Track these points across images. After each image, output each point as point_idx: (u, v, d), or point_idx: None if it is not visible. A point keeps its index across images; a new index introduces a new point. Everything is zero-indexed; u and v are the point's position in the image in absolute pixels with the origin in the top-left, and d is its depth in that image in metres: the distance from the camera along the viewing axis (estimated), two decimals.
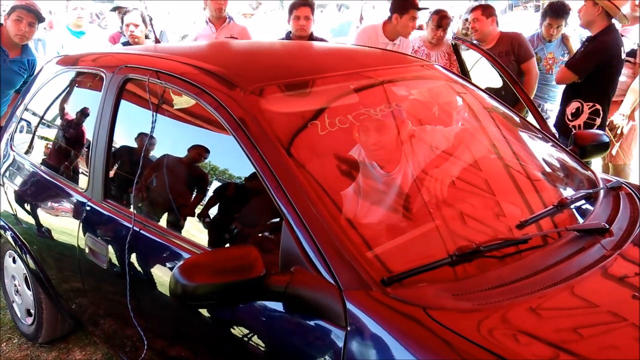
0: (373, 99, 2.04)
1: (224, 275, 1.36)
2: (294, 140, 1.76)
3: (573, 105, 3.66)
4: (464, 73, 3.36)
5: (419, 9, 4.26)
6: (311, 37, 4.14)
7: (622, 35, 3.91)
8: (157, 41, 3.55)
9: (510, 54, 4.08)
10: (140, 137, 2.11)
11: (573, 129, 3.60)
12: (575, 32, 5.96)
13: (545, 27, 4.42)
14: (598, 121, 3.67)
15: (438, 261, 1.44)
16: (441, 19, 4.45)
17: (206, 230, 1.90)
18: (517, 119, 2.34)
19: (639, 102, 4.01)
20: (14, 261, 2.89)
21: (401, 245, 1.61)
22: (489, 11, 4.21)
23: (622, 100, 3.95)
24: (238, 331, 1.65)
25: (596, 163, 4.39)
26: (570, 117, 3.66)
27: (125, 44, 4.43)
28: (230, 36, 4.35)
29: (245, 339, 1.63)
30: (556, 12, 4.38)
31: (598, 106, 3.63)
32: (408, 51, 4.44)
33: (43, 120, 2.81)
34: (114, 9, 5.20)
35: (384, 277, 1.37)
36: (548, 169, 2.21)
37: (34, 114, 2.87)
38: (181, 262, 1.40)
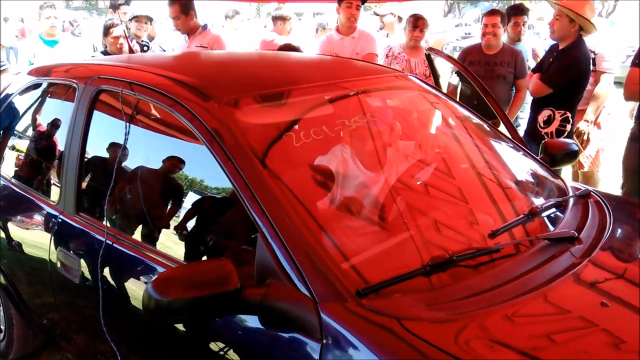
0: (348, 110, 2.06)
1: (198, 289, 1.35)
2: (269, 151, 1.76)
3: (545, 113, 3.73)
4: (437, 83, 3.39)
5: None
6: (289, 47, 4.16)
7: None
8: (131, 51, 3.53)
9: (511, 67, 4.17)
10: (114, 149, 2.09)
11: (545, 136, 3.69)
12: (546, 42, 6.15)
13: (512, 27, 4.63)
14: (568, 127, 3.76)
15: (412, 272, 1.45)
16: (416, 20, 4.56)
17: (181, 243, 1.88)
18: (489, 129, 2.38)
19: (602, 107, 4.12)
20: None
21: (376, 255, 1.62)
22: (504, 20, 4.33)
23: (585, 109, 4.05)
24: (214, 345, 1.64)
25: (566, 171, 4.48)
26: (542, 125, 3.73)
27: (105, 53, 4.41)
28: (200, 45, 4.34)
29: (221, 352, 1.62)
30: (519, 10, 4.68)
31: (568, 114, 3.72)
32: (370, 43, 4.56)
33: (14, 132, 2.76)
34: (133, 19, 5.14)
35: (358, 289, 1.38)
36: (519, 178, 2.25)
37: (5, 126, 2.82)
38: (154, 277, 1.38)
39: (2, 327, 2.77)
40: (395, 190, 1.93)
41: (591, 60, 4.07)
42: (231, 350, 1.60)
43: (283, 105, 1.96)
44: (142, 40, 5.00)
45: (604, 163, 4.35)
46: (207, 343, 1.65)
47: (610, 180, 4.36)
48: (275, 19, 6.04)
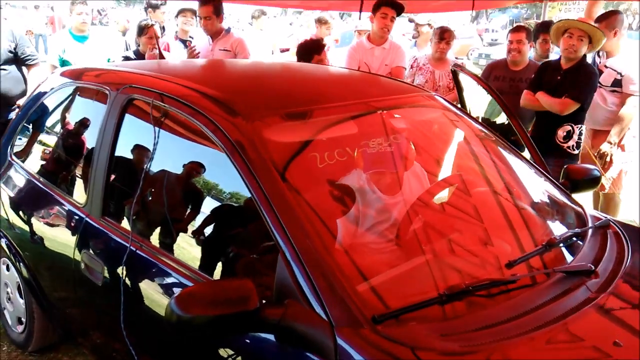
0: (372, 131, 2.08)
1: (219, 307, 1.39)
2: (292, 170, 1.79)
3: (564, 129, 3.76)
4: (461, 101, 3.39)
5: (389, 6, 4.37)
6: None
7: (606, 67, 4.08)
8: (161, 56, 3.59)
9: None
10: (141, 157, 2.14)
11: (568, 149, 3.74)
12: None
13: (540, 44, 4.64)
14: (583, 140, 3.80)
15: (428, 300, 1.48)
16: (443, 32, 4.57)
17: (202, 253, 1.92)
18: (511, 154, 2.38)
19: (626, 130, 4.10)
20: (8, 269, 2.91)
21: (393, 281, 1.65)
22: (530, 36, 4.33)
23: (609, 130, 4.04)
24: (227, 355, 1.68)
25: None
26: (562, 140, 3.76)
27: (136, 52, 4.48)
28: (224, 49, 4.38)
29: None
30: (548, 27, 4.62)
31: (583, 127, 3.77)
32: (400, 56, 4.57)
33: (45, 131, 2.83)
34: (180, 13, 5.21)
35: (375, 315, 1.41)
36: (539, 205, 2.26)
37: (36, 124, 2.89)
38: (178, 293, 1.43)
39: (24, 320, 2.85)
40: (414, 215, 1.95)
41: (616, 82, 4.08)
42: None
43: (308, 125, 1.99)
44: (190, 36, 5.03)
45: (626, 186, 4.32)
46: (222, 353, 1.69)
47: (632, 203, 4.34)
48: (318, 22, 6.20)
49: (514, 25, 4.79)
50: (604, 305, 1.63)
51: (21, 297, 2.82)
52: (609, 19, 4.11)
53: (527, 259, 1.77)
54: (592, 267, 1.74)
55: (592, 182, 2.51)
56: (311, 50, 3.94)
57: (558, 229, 2.12)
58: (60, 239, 2.42)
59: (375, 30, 4.47)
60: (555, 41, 3.88)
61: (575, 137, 3.76)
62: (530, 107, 3.97)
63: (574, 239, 1.95)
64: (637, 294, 1.78)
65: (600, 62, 4.20)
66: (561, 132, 3.75)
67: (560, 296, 1.62)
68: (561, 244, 1.90)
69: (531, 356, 1.41)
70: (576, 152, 3.79)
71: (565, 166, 2.53)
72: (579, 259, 1.83)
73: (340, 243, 1.77)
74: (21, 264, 2.70)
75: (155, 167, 2.06)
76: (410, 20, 5.84)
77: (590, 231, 2.02)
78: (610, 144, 4.05)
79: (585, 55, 3.76)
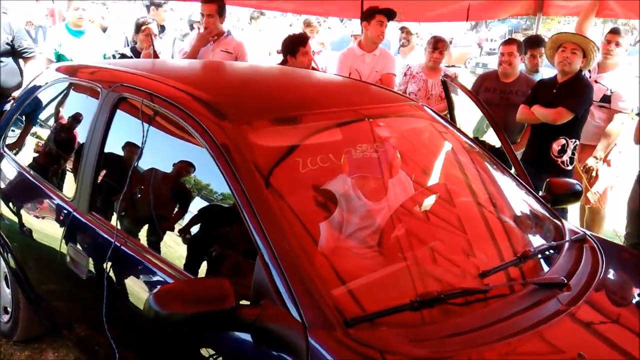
0: (359, 139, 2.12)
1: (196, 305, 1.43)
2: (275, 174, 1.83)
3: (559, 142, 3.79)
4: (451, 111, 3.44)
5: (384, 14, 4.44)
6: None
7: (596, 82, 4.12)
8: (155, 56, 3.62)
9: (526, 95, 4.20)
10: (130, 154, 2.17)
11: (562, 165, 3.77)
12: None
13: (529, 59, 4.69)
14: (576, 155, 3.84)
15: (400, 306, 1.52)
16: (437, 41, 4.62)
17: (185, 252, 1.96)
18: (494, 166, 2.43)
19: (613, 145, 4.16)
20: None
21: (367, 286, 1.69)
22: (521, 48, 4.37)
23: (596, 145, 4.09)
24: (205, 352, 1.72)
25: (574, 205, 4.51)
26: (557, 154, 3.79)
27: (133, 49, 4.51)
28: (225, 51, 4.41)
29: (212, 359, 1.70)
30: (536, 42, 4.72)
31: (578, 142, 3.80)
32: (390, 63, 4.63)
33: (37, 125, 2.87)
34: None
35: (347, 318, 1.45)
36: (518, 217, 2.30)
37: (29, 117, 2.93)
38: (156, 289, 1.46)
39: (10, 309, 2.88)
40: (394, 221, 1.99)
41: (605, 98, 4.13)
42: (221, 359, 1.68)
43: (295, 130, 2.03)
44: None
45: (611, 201, 4.37)
46: (200, 350, 1.73)
47: (617, 219, 4.39)
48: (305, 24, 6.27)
49: (507, 37, 4.88)
50: (573, 317, 1.67)
51: (8, 287, 2.85)
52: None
53: (502, 269, 1.82)
54: (565, 280, 1.79)
55: (573, 196, 2.55)
56: (297, 42, 4.03)
57: (536, 241, 2.17)
58: (47, 231, 2.46)
59: (370, 37, 4.52)
60: (551, 58, 3.93)
61: (569, 151, 3.79)
62: (526, 121, 4.01)
63: (550, 251, 2.00)
64: (607, 307, 1.83)
65: (590, 77, 4.26)
66: (556, 146, 3.78)
67: (532, 307, 1.66)
68: (536, 256, 1.94)
69: None
70: (569, 167, 3.80)
71: (547, 180, 2.57)
72: (553, 272, 1.88)
73: (321, 247, 1.81)
74: (9, 254, 2.73)
75: (143, 165, 2.10)
76: (402, 29, 5.88)
77: (566, 245, 2.06)
78: (597, 158, 4.10)
79: (581, 70, 3.79)
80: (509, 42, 4.44)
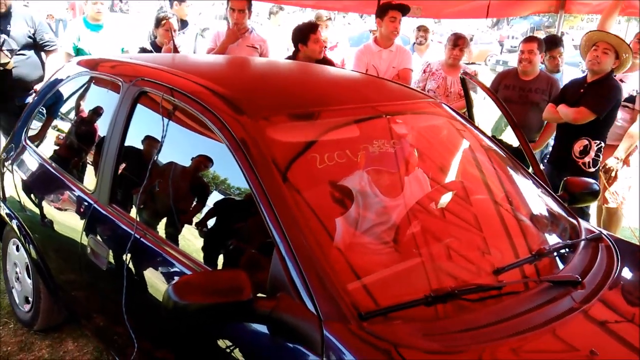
0: (376, 136, 2.14)
1: (214, 296, 1.46)
2: (292, 169, 1.86)
3: (581, 143, 3.76)
4: (469, 109, 3.44)
5: (398, 9, 4.46)
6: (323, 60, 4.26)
7: (621, 81, 4.06)
8: (175, 50, 3.66)
9: (545, 94, 4.19)
10: (150, 148, 2.21)
11: (583, 166, 3.75)
12: None
13: (549, 60, 4.69)
14: (601, 157, 3.80)
15: (414, 301, 1.54)
16: (457, 38, 4.62)
17: (203, 245, 2.00)
18: (511, 164, 2.43)
19: (635, 147, 4.11)
20: (17, 249, 3.00)
21: (383, 280, 1.71)
22: (542, 46, 4.34)
23: (617, 145, 4.05)
24: (222, 343, 1.76)
25: (592, 204, 4.49)
26: (578, 155, 3.77)
27: (153, 44, 4.55)
28: (252, 46, 4.46)
29: (228, 350, 1.73)
30: (554, 43, 4.64)
31: (602, 144, 3.76)
32: (407, 58, 4.65)
33: (59, 118, 2.92)
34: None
35: (361, 312, 1.47)
36: (535, 215, 2.31)
37: (51, 110, 2.98)
38: (175, 280, 1.50)
39: (31, 299, 2.94)
40: (410, 217, 2.01)
41: (630, 98, 4.09)
42: (238, 350, 1.71)
43: (313, 126, 2.06)
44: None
45: (629, 200, 4.34)
46: (216, 341, 1.76)
47: (634, 218, 4.36)
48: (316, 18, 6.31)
49: (528, 35, 4.87)
50: (586, 315, 1.68)
51: (29, 277, 2.91)
52: None
53: (516, 266, 1.83)
54: (579, 278, 1.79)
55: (591, 195, 2.55)
56: (308, 30, 4.07)
57: (551, 239, 2.17)
58: (68, 223, 2.51)
59: (385, 33, 4.54)
60: (584, 56, 3.89)
61: (592, 153, 3.75)
62: (551, 120, 3.99)
63: (565, 249, 2.00)
64: (621, 306, 1.83)
65: (615, 75, 4.21)
66: (577, 147, 3.76)
67: (545, 304, 1.67)
68: (551, 254, 1.95)
69: (510, 359, 1.47)
70: (592, 169, 3.76)
71: (565, 178, 2.57)
72: (568, 270, 1.88)
73: (337, 242, 1.84)
74: (30, 245, 2.79)
75: (163, 159, 2.14)
76: (419, 28, 5.86)
77: (582, 243, 2.06)
78: (617, 159, 4.06)
79: (612, 70, 3.74)
80: (530, 39, 4.41)
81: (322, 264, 1.55)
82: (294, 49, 4.28)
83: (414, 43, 6.14)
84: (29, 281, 2.91)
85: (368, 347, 1.40)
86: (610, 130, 4.06)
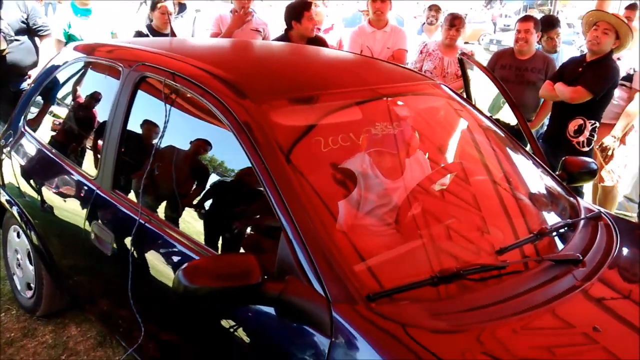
0: (377, 118, 2.15)
1: (223, 280, 1.48)
2: (296, 152, 1.86)
3: (576, 122, 3.78)
4: (468, 93, 3.45)
5: None
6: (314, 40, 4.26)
7: (618, 59, 4.06)
8: (173, 34, 3.64)
9: (542, 73, 4.20)
10: (152, 133, 2.21)
11: (577, 145, 3.77)
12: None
13: (546, 41, 4.70)
14: (595, 137, 3.82)
15: (420, 281, 1.56)
16: (453, 19, 4.61)
17: (211, 229, 2.01)
18: (510, 144, 2.45)
19: (632, 125, 4.14)
20: (18, 236, 3.01)
21: (389, 261, 1.73)
22: (538, 25, 4.35)
23: (614, 123, 4.07)
24: (229, 325, 1.78)
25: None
26: (572, 134, 3.79)
27: (149, 27, 4.52)
28: (255, 29, 4.48)
29: (236, 332, 1.76)
30: (550, 24, 4.64)
31: (597, 123, 3.78)
32: (401, 39, 4.66)
33: (58, 104, 2.91)
34: None
35: (369, 293, 1.49)
36: (534, 194, 2.33)
37: (50, 96, 2.97)
38: (185, 265, 1.51)
39: (33, 285, 2.95)
40: (413, 199, 2.03)
41: (627, 76, 4.11)
42: (246, 332, 1.73)
43: (314, 109, 2.06)
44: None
45: (624, 178, 4.38)
46: (224, 324, 1.79)
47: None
48: None
49: (523, 13, 4.87)
50: (588, 292, 1.71)
51: (31, 263, 2.92)
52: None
53: (518, 246, 1.86)
54: (580, 256, 1.82)
55: (589, 174, 2.57)
56: (302, 7, 4.06)
57: (551, 218, 2.20)
58: (70, 209, 2.51)
59: (371, 14, 4.56)
60: (585, 34, 3.89)
61: (587, 132, 3.77)
62: (547, 97, 4.00)
63: (565, 229, 2.03)
64: (621, 283, 1.86)
65: (613, 55, 4.22)
66: (572, 126, 3.78)
67: (547, 283, 1.70)
68: (551, 233, 1.98)
69: (514, 337, 1.50)
70: (586, 149, 3.78)
71: (563, 158, 2.59)
72: (568, 249, 1.91)
73: (341, 224, 1.85)
74: (32, 231, 2.79)
75: (165, 143, 2.14)
76: (430, 7, 5.79)
77: (581, 222, 2.09)
78: (614, 137, 4.08)
79: (611, 51, 3.75)
80: (526, 19, 4.41)
81: (329, 246, 1.57)
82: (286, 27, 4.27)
83: (423, 23, 6.08)
84: (31, 267, 2.92)
85: (377, 327, 1.43)
86: (607, 108, 4.08)
